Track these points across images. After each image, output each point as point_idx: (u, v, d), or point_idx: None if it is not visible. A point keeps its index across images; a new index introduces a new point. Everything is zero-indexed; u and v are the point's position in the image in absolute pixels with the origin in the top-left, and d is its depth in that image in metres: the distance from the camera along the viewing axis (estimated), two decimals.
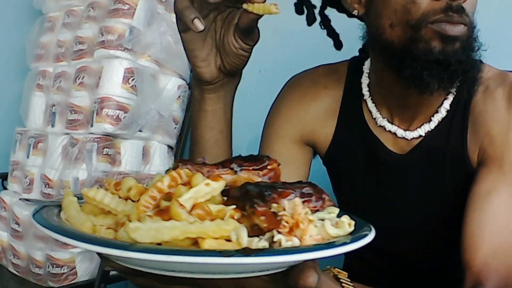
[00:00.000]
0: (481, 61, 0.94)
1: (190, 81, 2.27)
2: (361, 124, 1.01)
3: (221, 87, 0.82)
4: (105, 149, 2.09)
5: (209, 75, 0.80)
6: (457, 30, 0.81)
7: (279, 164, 0.64)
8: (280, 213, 0.51)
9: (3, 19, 2.73)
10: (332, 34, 1.08)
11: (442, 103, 0.95)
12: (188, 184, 0.54)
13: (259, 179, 0.61)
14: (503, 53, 1.55)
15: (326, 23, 1.06)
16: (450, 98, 0.94)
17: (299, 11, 1.05)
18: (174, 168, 0.60)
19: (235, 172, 0.61)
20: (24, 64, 2.52)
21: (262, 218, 0.50)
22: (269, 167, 0.63)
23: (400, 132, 0.96)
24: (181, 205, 0.50)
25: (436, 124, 0.95)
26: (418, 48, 0.82)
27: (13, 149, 2.44)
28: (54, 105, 2.28)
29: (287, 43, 2.04)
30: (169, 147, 2.28)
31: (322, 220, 0.56)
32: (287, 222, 0.51)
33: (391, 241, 1.00)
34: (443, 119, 0.95)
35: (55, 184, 2.16)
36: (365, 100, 1.01)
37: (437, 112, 0.95)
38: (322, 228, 0.54)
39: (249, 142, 2.21)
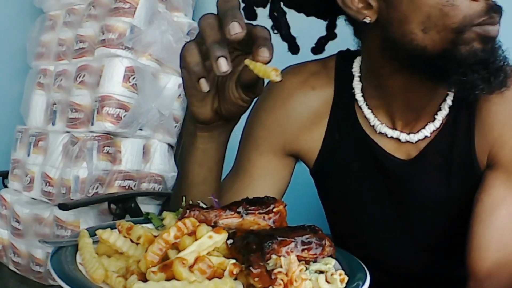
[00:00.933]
0: None
1: None
2: (355, 129, 0.93)
3: (215, 128, 0.77)
4: (105, 148, 2.09)
5: (203, 116, 0.74)
6: (497, 29, 0.79)
7: (285, 205, 0.65)
8: (275, 271, 0.54)
9: (4, 18, 2.73)
10: (287, 37, 1.00)
11: (444, 100, 0.89)
12: (194, 234, 0.58)
13: (265, 223, 0.63)
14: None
15: (281, 25, 0.98)
16: (451, 94, 0.90)
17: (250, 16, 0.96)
18: (182, 215, 0.63)
19: (242, 216, 0.63)
20: (25, 62, 2.53)
21: (257, 279, 0.54)
22: (274, 210, 0.64)
23: (404, 136, 0.90)
24: (183, 262, 0.54)
25: (440, 121, 0.89)
26: (460, 51, 0.78)
27: (14, 147, 2.44)
28: (55, 104, 2.28)
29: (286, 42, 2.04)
30: (170, 145, 2.28)
31: (319, 272, 0.58)
32: (282, 280, 0.54)
33: (393, 252, 0.97)
34: (447, 118, 0.89)
35: (55, 183, 2.16)
36: (358, 105, 0.93)
37: (440, 109, 0.89)
38: (316, 283, 0.56)
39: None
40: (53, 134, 2.26)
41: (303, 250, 0.57)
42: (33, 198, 2.29)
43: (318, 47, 1.00)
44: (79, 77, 2.18)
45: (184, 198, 0.74)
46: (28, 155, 2.34)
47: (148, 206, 2.15)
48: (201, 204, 0.70)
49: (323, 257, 0.59)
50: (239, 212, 0.63)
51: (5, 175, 2.47)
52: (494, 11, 0.77)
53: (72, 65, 2.25)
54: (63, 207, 1.85)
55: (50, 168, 2.19)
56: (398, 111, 0.90)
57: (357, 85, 0.93)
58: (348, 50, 0.98)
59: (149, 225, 0.72)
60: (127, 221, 0.67)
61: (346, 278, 0.58)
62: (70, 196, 2.06)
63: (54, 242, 0.64)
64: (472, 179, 0.89)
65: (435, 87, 0.86)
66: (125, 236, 0.62)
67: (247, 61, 0.63)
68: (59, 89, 2.28)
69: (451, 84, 0.83)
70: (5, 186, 2.46)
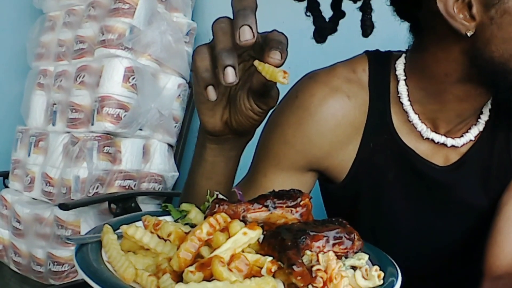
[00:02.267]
0: None
1: (190, 80, 2.28)
2: (390, 136, 0.88)
3: (226, 141, 0.71)
4: (105, 148, 2.10)
5: (212, 127, 0.69)
6: None
7: (310, 198, 0.65)
8: (314, 268, 0.55)
9: (4, 19, 2.73)
10: (318, 21, 0.93)
11: (482, 113, 0.88)
12: (226, 230, 0.57)
13: (292, 217, 0.63)
14: None
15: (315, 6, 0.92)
16: (487, 110, 0.89)
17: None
18: (211, 209, 0.62)
19: (269, 210, 0.63)
20: (25, 63, 2.53)
21: (299, 278, 0.53)
22: (301, 203, 0.64)
23: (450, 141, 0.87)
24: (221, 261, 0.53)
25: (483, 125, 0.88)
26: None
27: (14, 147, 2.45)
28: (55, 104, 2.29)
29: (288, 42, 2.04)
30: (169, 145, 2.29)
31: (353, 268, 0.58)
32: (321, 278, 0.54)
33: (419, 256, 0.94)
34: (487, 121, 0.88)
35: (56, 183, 2.17)
36: (403, 110, 0.87)
37: (482, 113, 0.88)
38: (352, 279, 0.56)
39: (248, 147, 2.21)
40: (53, 134, 2.26)
41: (334, 244, 0.58)
42: (33, 198, 2.29)
43: (320, 35, 0.96)
44: (79, 78, 2.19)
45: (208, 191, 0.71)
46: (29, 155, 2.35)
47: (148, 206, 2.15)
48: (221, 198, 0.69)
49: (353, 251, 0.60)
50: (267, 206, 0.62)
51: (5, 175, 2.48)
52: None
53: (72, 65, 2.26)
54: (64, 207, 1.86)
55: (50, 168, 2.19)
56: (444, 117, 0.86)
57: (403, 88, 0.87)
58: (378, 51, 0.94)
59: (167, 217, 0.70)
60: (148, 214, 0.65)
61: (383, 274, 0.57)
62: (70, 196, 2.07)
63: (77, 239, 0.61)
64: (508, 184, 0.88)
65: (490, 97, 0.85)
66: (151, 232, 0.59)
67: (256, 62, 0.60)
68: (59, 90, 2.29)
69: None
70: (6, 186, 2.46)
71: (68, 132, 2.20)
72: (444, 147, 0.88)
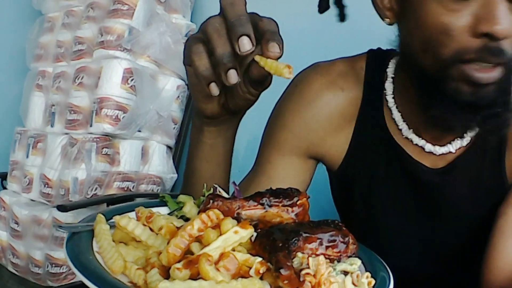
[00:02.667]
0: None
1: None
2: (383, 132, 0.90)
3: (223, 122, 0.75)
4: (104, 149, 2.10)
5: (210, 111, 0.72)
6: (490, 76, 0.72)
7: (308, 198, 0.64)
8: (303, 272, 0.54)
9: (3, 19, 2.73)
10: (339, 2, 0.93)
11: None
12: (218, 227, 0.56)
13: (288, 216, 0.62)
14: None
15: None
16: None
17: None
18: (205, 204, 0.61)
19: (265, 208, 0.62)
20: (24, 64, 2.53)
21: (286, 282, 0.52)
22: (298, 202, 0.63)
23: (428, 147, 0.87)
24: (209, 259, 0.52)
25: (468, 140, 0.86)
26: (447, 86, 0.74)
27: (13, 148, 2.45)
28: (54, 105, 2.29)
29: (288, 42, 2.03)
30: (168, 147, 2.28)
31: (345, 273, 0.57)
32: (310, 282, 0.53)
33: (410, 258, 0.96)
34: (478, 133, 0.85)
35: (54, 184, 2.16)
36: (388, 107, 0.89)
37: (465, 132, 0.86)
38: (342, 285, 0.55)
39: (247, 143, 2.21)
40: (52, 135, 2.26)
41: (327, 247, 0.57)
42: (32, 200, 2.29)
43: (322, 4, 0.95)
44: (78, 79, 2.19)
45: (205, 185, 0.71)
46: (27, 156, 2.34)
47: None
48: (223, 193, 0.68)
49: (347, 255, 0.59)
50: (262, 204, 0.61)
51: (4, 176, 2.47)
52: (490, 53, 0.71)
53: (71, 66, 2.26)
54: (62, 208, 1.85)
55: (48, 170, 2.19)
56: (422, 121, 0.86)
57: (389, 86, 0.89)
58: (379, 49, 0.95)
59: (164, 208, 0.70)
60: (143, 205, 0.64)
61: (373, 282, 0.57)
62: (68, 197, 2.06)
63: (69, 227, 0.61)
64: (500, 194, 0.86)
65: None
66: (144, 225, 0.59)
67: (257, 58, 0.61)
68: (58, 91, 2.28)
69: (432, 117, 0.79)
70: (4, 188, 2.46)
71: (66, 134, 2.19)
72: (430, 153, 0.88)
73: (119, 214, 0.61)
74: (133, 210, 0.64)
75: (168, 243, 0.54)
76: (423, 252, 0.95)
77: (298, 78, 0.95)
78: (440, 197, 0.90)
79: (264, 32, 0.61)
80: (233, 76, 0.60)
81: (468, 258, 0.93)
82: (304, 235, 0.56)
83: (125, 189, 2.12)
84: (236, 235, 0.55)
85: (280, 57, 0.60)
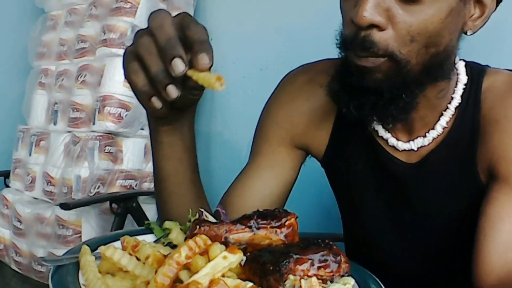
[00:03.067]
0: (488, 66, 0.90)
1: None
2: (361, 128, 0.92)
3: (175, 120, 0.77)
4: (107, 147, 2.10)
5: (159, 113, 0.73)
6: (368, 61, 0.74)
7: (296, 218, 0.64)
8: None
9: (6, 18, 2.73)
10: None
11: (439, 119, 0.87)
12: (206, 253, 0.56)
13: (277, 237, 0.62)
14: (503, 52, 1.55)
15: None
16: (449, 113, 0.87)
17: None
18: (191, 231, 0.60)
19: (253, 230, 0.62)
20: (27, 62, 2.53)
21: None
22: (286, 223, 0.63)
23: (392, 141, 0.89)
24: (198, 287, 0.52)
25: (430, 141, 0.88)
26: (345, 66, 0.78)
27: (16, 147, 2.45)
28: (56, 103, 2.29)
29: (289, 41, 2.05)
30: None
31: None
32: None
33: (393, 254, 0.97)
34: (451, 126, 0.87)
35: (57, 182, 2.16)
36: None
37: (433, 128, 0.87)
38: None
39: (250, 141, 2.21)
40: (55, 133, 2.26)
41: (319, 268, 0.56)
42: (34, 198, 2.29)
43: None
44: (81, 77, 2.19)
45: (190, 210, 0.72)
46: (30, 154, 2.34)
47: (149, 205, 2.15)
48: (209, 217, 0.68)
49: (339, 275, 0.58)
50: (250, 226, 0.61)
51: (6, 174, 2.48)
52: (358, 42, 0.74)
53: (74, 65, 2.26)
54: (65, 206, 1.85)
55: (51, 168, 2.19)
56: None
57: None
58: None
59: (150, 236, 0.70)
60: (129, 233, 0.64)
61: None
62: (71, 195, 2.06)
63: (53, 260, 0.61)
64: (473, 190, 0.87)
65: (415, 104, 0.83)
66: (130, 254, 0.59)
67: (190, 73, 0.61)
68: (61, 89, 2.28)
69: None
70: (7, 186, 2.46)
71: (69, 132, 2.19)
72: (392, 147, 0.90)
73: (104, 244, 0.60)
74: (119, 240, 0.63)
75: (156, 272, 0.54)
76: (405, 248, 0.96)
77: (285, 77, 1.02)
78: (414, 192, 0.91)
79: (193, 43, 0.62)
80: (172, 91, 0.62)
81: (449, 254, 0.94)
82: (295, 256, 0.56)
83: (128, 187, 2.12)
84: (225, 261, 0.55)
85: (211, 66, 0.61)
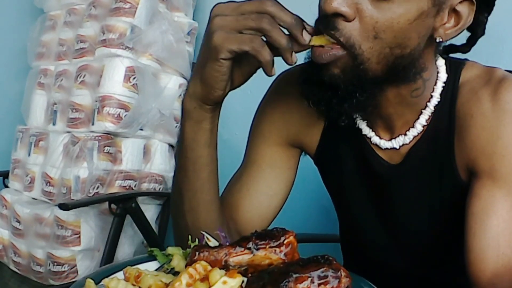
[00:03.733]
0: (466, 59, 0.90)
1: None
2: (351, 128, 0.92)
3: (219, 106, 0.83)
4: (106, 148, 2.09)
5: (223, 95, 0.80)
6: (325, 55, 0.75)
7: (295, 236, 0.64)
8: None
9: (5, 18, 2.73)
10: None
11: (418, 118, 0.87)
12: (206, 279, 0.57)
13: (276, 257, 0.62)
14: (503, 52, 1.55)
15: None
16: (428, 111, 0.87)
17: None
18: (191, 257, 0.61)
19: (252, 252, 0.62)
20: (26, 62, 2.53)
21: None
22: (285, 242, 0.63)
23: (376, 140, 0.90)
24: None
25: (411, 139, 0.88)
26: (310, 62, 0.79)
27: (15, 147, 2.44)
28: (56, 104, 2.28)
29: None
30: (170, 145, 2.28)
31: None
32: None
33: (383, 253, 0.99)
34: (428, 124, 0.87)
35: (56, 183, 2.16)
36: None
37: (413, 126, 0.88)
38: None
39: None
40: (54, 134, 2.26)
41: (319, 284, 0.56)
42: (33, 198, 2.29)
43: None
44: (80, 77, 2.18)
45: (190, 237, 0.72)
46: (29, 155, 2.34)
47: (148, 206, 2.15)
48: (211, 240, 0.68)
49: None
50: (249, 248, 0.62)
51: (5, 175, 2.47)
52: (323, 24, 0.74)
53: (73, 65, 2.25)
54: (64, 207, 1.85)
55: (50, 168, 2.19)
56: (376, 116, 0.89)
57: None
58: None
59: (153, 263, 0.71)
60: (132, 262, 0.65)
61: None
62: (70, 196, 2.06)
63: None
64: (453, 187, 0.87)
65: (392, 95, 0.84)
66: (133, 284, 0.60)
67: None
68: (60, 89, 2.28)
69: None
70: (6, 186, 2.46)
71: (68, 132, 2.19)
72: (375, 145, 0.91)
73: (107, 276, 0.62)
74: (121, 270, 0.65)
75: None
76: (394, 246, 0.97)
77: (276, 79, 1.02)
78: (398, 190, 0.92)
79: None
80: (305, 35, 0.73)
81: (436, 252, 0.95)
82: (294, 275, 0.56)
83: (127, 187, 2.11)
84: (225, 286, 0.56)
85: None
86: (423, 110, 0.87)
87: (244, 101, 2.22)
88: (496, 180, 0.81)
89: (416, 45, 0.77)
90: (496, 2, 0.86)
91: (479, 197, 0.82)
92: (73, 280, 2.03)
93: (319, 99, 0.79)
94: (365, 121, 0.91)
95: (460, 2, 0.79)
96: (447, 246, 0.93)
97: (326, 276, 0.57)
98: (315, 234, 1.62)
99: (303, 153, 1.02)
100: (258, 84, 2.25)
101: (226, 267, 0.59)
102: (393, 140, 0.89)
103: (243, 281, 0.57)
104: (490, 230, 0.79)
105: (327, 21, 0.74)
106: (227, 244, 0.64)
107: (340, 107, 0.78)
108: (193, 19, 2.35)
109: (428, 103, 0.87)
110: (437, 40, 0.80)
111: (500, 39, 1.51)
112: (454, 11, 0.79)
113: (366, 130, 0.91)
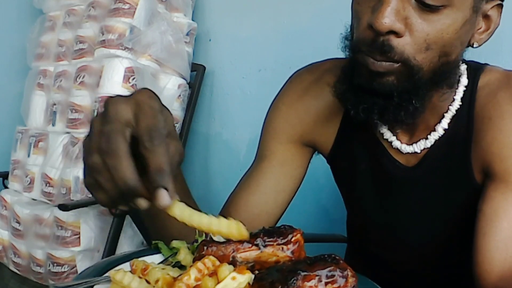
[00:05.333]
0: (487, 64, 0.91)
1: (191, 80, 2.28)
2: (366, 127, 0.93)
3: None
4: None
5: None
6: (382, 66, 0.75)
7: (302, 233, 0.65)
8: None
9: (4, 19, 2.73)
10: None
11: (440, 121, 0.88)
12: (215, 274, 0.57)
13: (284, 254, 0.63)
14: (503, 52, 1.55)
15: None
16: (450, 114, 0.87)
17: None
18: (199, 251, 0.61)
19: (260, 248, 0.62)
20: (25, 63, 2.53)
21: None
22: (293, 239, 0.63)
23: (396, 144, 0.90)
24: None
25: (432, 143, 0.88)
26: (354, 68, 0.79)
27: (14, 148, 2.44)
28: (55, 104, 2.28)
29: (288, 42, 2.05)
30: None
31: None
32: None
33: (394, 251, 0.99)
34: (448, 128, 0.88)
35: (55, 183, 2.16)
36: None
37: (434, 130, 0.88)
38: None
39: (249, 141, 2.21)
40: (53, 134, 2.26)
41: (327, 283, 0.56)
42: (33, 199, 2.29)
43: None
44: (79, 78, 2.18)
45: (197, 231, 0.71)
46: (28, 155, 2.34)
47: None
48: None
49: None
50: (257, 244, 0.62)
51: (5, 176, 2.47)
52: (377, 47, 0.75)
53: (72, 65, 2.25)
54: (64, 207, 1.85)
55: (50, 169, 2.19)
56: None
57: None
58: None
59: (157, 256, 0.71)
60: (136, 254, 0.65)
61: None
62: (70, 196, 2.06)
63: (63, 287, 0.61)
64: (469, 189, 0.88)
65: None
66: (140, 277, 0.60)
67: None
68: (59, 90, 2.28)
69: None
70: (5, 187, 2.46)
71: (68, 133, 2.19)
72: (397, 149, 0.91)
73: (113, 267, 0.62)
74: (127, 262, 0.64)
75: None
76: (404, 247, 0.98)
77: (292, 76, 1.04)
78: (412, 193, 0.92)
79: (149, 169, 0.55)
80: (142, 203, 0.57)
81: (447, 254, 0.95)
82: (302, 273, 0.56)
83: None
84: (234, 281, 0.56)
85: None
86: (445, 114, 0.88)
87: (243, 102, 2.23)
88: (510, 184, 0.81)
89: (459, 52, 0.79)
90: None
91: (492, 199, 0.82)
92: None
93: (371, 106, 0.78)
94: (386, 125, 0.90)
95: (491, 8, 0.80)
96: (456, 248, 0.93)
97: (334, 275, 0.57)
98: (315, 234, 1.62)
99: (316, 152, 1.03)
100: (257, 85, 2.26)
101: (233, 262, 0.60)
102: (414, 145, 0.90)
103: (250, 278, 0.57)
104: (500, 232, 0.80)
105: (380, 43, 0.74)
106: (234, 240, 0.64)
107: (397, 114, 0.78)
108: (192, 20, 2.35)
109: (450, 107, 0.88)
110: (474, 46, 0.82)
111: (500, 39, 1.51)
112: (485, 16, 0.81)
113: (388, 134, 0.91)
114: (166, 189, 0.55)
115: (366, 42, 0.76)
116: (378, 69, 0.76)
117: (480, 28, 0.81)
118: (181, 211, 0.58)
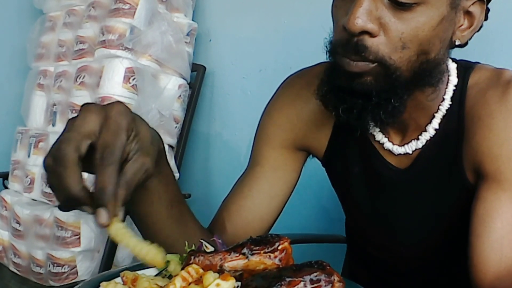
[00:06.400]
0: (478, 62, 0.91)
1: (191, 81, 2.27)
2: (359, 132, 0.93)
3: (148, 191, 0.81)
4: None
5: None
6: (358, 66, 0.75)
7: (290, 242, 0.65)
8: None
9: (4, 19, 2.73)
10: None
11: (430, 121, 0.88)
12: (200, 283, 0.58)
13: (271, 262, 0.63)
14: (503, 52, 1.55)
15: None
16: (440, 114, 0.87)
17: None
18: (187, 261, 0.62)
19: (247, 257, 0.63)
20: (25, 63, 2.53)
21: None
22: (279, 247, 0.64)
23: (388, 145, 0.90)
24: None
25: (424, 143, 0.88)
26: (334, 70, 0.79)
27: (14, 148, 2.44)
28: (55, 105, 2.28)
29: (288, 42, 2.05)
30: (170, 146, 2.28)
31: None
32: None
33: (391, 252, 0.99)
34: (438, 128, 0.88)
35: None
36: None
37: (425, 130, 0.88)
38: None
39: (249, 142, 2.20)
40: (54, 135, 2.25)
41: None
42: (33, 199, 2.28)
43: None
44: (79, 78, 2.18)
45: (186, 243, 0.73)
46: (29, 156, 2.34)
47: None
48: (209, 247, 0.70)
49: None
50: (244, 254, 0.62)
51: (5, 176, 2.47)
52: (351, 47, 0.75)
53: (72, 66, 2.25)
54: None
55: None
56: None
57: None
58: None
59: (152, 269, 0.71)
60: (129, 268, 0.67)
61: None
62: None
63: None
64: (461, 189, 0.87)
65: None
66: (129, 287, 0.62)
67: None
68: (59, 90, 2.28)
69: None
70: (6, 187, 2.45)
71: None
72: (388, 151, 0.91)
73: (106, 281, 0.63)
74: (118, 276, 0.66)
75: None
76: (400, 248, 0.98)
77: (284, 82, 1.04)
78: (405, 194, 0.92)
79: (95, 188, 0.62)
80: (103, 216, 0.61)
81: (441, 255, 0.96)
82: (287, 279, 0.56)
83: None
84: None
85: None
86: (435, 114, 0.88)
87: (243, 102, 2.23)
88: (502, 183, 0.81)
89: (439, 50, 0.79)
90: (495, 2, 0.86)
91: (485, 199, 0.81)
92: (73, 281, 2.03)
93: (350, 107, 0.78)
94: (378, 127, 0.91)
95: (472, 4, 0.80)
96: (452, 247, 0.93)
97: (319, 280, 0.57)
98: (315, 235, 1.62)
99: (310, 156, 1.02)
100: (258, 86, 2.26)
101: (221, 271, 0.60)
102: (405, 146, 0.90)
103: (238, 285, 0.58)
104: (494, 232, 0.79)
105: (354, 44, 0.74)
106: (223, 250, 0.64)
107: (375, 114, 0.78)
108: (193, 20, 2.35)
109: (440, 107, 0.87)
110: (456, 43, 0.81)
111: (499, 39, 1.51)
112: (467, 13, 0.80)
113: (379, 136, 0.91)
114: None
115: (342, 43, 0.76)
116: (354, 70, 0.76)
117: (462, 25, 0.81)
118: (115, 232, 0.60)
